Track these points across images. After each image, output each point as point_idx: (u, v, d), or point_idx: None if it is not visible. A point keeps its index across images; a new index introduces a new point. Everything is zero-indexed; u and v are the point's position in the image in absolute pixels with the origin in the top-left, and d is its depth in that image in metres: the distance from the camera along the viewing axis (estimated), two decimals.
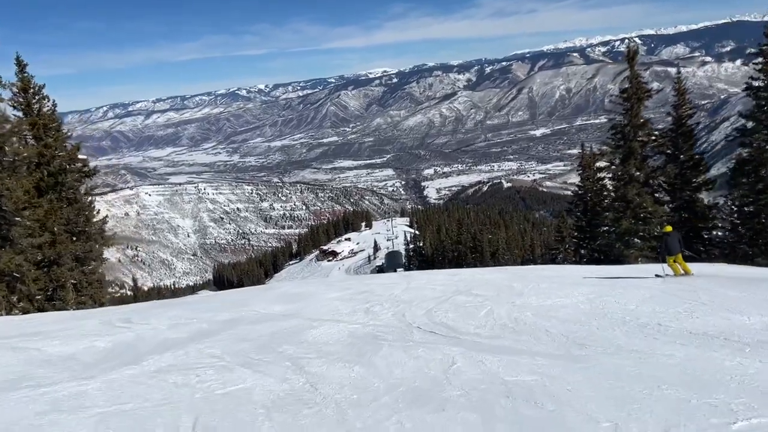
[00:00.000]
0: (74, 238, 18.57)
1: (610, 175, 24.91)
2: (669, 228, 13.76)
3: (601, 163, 26.05)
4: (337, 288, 14.08)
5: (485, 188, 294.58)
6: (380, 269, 67.15)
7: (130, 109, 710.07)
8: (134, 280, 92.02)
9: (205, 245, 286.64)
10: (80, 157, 20.64)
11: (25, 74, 18.34)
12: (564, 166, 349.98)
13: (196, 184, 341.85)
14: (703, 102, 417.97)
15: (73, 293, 17.86)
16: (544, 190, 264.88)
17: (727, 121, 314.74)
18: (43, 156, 17.97)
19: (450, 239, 38.85)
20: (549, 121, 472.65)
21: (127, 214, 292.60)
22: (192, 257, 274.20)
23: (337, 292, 13.00)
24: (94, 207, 21.33)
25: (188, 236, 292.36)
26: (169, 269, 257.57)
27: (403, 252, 72.09)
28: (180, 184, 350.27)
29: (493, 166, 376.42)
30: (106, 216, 23.27)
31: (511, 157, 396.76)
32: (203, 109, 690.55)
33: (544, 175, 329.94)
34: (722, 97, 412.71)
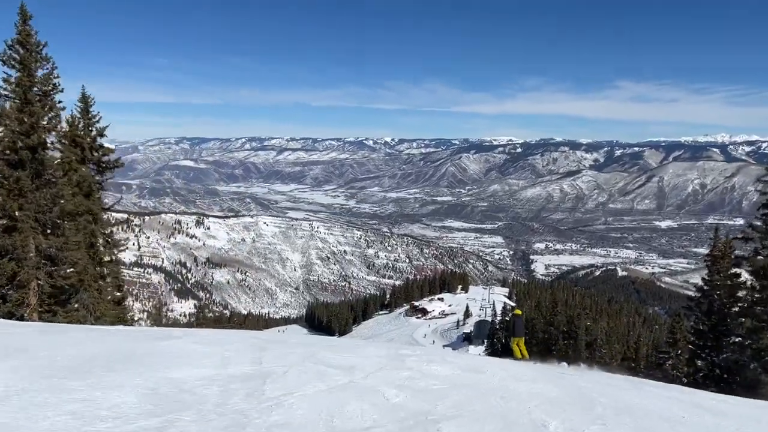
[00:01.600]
0: (48, 231, 15.16)
1: (751, 268, 18.90)
2: (519, 311, 14.53)
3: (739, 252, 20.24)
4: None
5: (597, 272, 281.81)
6: (467, 336, 66.12)
7: (265, 143, 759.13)
8: (199, 306, 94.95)
9: (308, 281, 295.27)
10: (107, 146, 18.59)
11: (27, 26, 15.10)
12: (687, 263, 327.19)
13: (311, 222, 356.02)
14: None
15: (36, 296, 14.94)
16: (663, 285, 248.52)
17: None
18: (22, 123, 14.66)
19: (542, 318, 36.37)
20: (677, 215, 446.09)
21: (243, 239, 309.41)
22: (294, 290, 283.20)
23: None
24: (102, 200, 18.84)
25: (294, 270, 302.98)
26: (271, 298, 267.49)
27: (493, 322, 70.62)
28: (296, 219, 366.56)
29: (610, 251, 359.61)
30: (127, 222, 23.26)
31: (631, 245, 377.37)
32: (331, 153, 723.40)
33: (664, 270, 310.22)
34: None
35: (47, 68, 15.34)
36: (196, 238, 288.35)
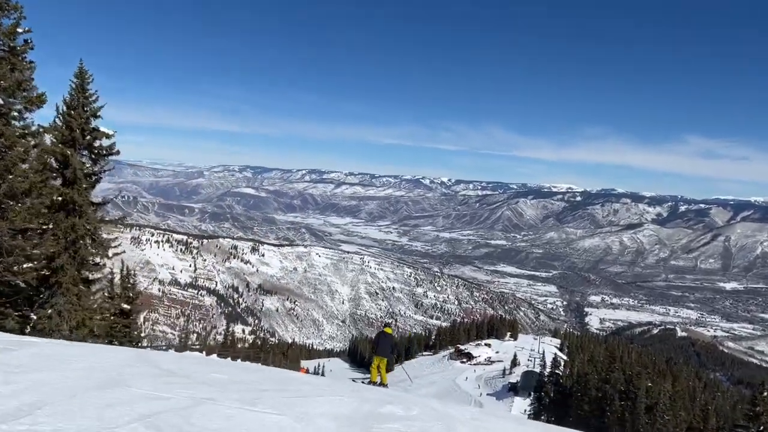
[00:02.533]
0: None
1: None
2: (389, 330, 13.22)
3: None
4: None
5: (655, 331, 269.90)
6: (513, 387, 63.75)
7: (324, 176, 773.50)
8: (230, 332, 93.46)
9: (355, 315, 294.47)
10: (103, 129, 15.40)
11: None
12: (753, 329, 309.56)
13: (362, 256, 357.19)
14: None
15: None
16: (725, 350, 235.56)
17: None
18: None
19: (596, 374, 32.90)
20: (743, 277, 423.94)
21: (295, 268, 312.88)
22: (341, 323, 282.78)
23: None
24: (89, 192, 15.19)
25: (343, 302, 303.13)
26: (317, 329, 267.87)
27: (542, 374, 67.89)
28: (348, 252, 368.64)
29: (669, 309, 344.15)
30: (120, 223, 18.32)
31: (692, 304, 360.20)
32: (387, 189, 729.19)
33: (727, 334, 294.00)
34: None
35: (13, 18, 12.46)
36: (250, 263, 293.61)
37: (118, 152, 15.76)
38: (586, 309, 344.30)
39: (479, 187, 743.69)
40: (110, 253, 15.79)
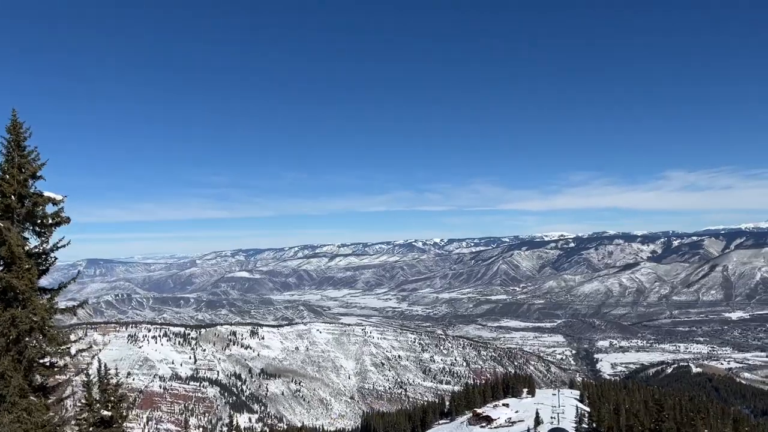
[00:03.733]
0: None
1: None
2: None
3: None
4: None
5: (669, 369, 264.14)
6: None
7: (317, 251, 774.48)
8: (231, 418, 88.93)
9: (363, 389, 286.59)
10: (47, 194, 12.04)
11: None
12: (766, 357, 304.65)
13: (363, 327, 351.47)
14: None
15: None
16: (743, 381, 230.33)
17: None
18: None
19: (640, 425, 29.20)
20: (748, 305, 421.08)
21: (297, 348, 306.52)
22: (349, 400, 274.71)
23: None
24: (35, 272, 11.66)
25: (349, 378, 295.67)
26: (325, 408, 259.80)
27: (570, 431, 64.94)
28: (349, 324, 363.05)
29: (679, 346, 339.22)
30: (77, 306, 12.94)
31: (701, 339, 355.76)
32: (381, 256, 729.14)
33: (741, 365, 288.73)
34: None
35: None
36: (250, 348, 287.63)
37: (68, 220, 11.97)
38: (595, 355, 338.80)
39: (472, 244, 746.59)
40: (73, 350, 12.32)
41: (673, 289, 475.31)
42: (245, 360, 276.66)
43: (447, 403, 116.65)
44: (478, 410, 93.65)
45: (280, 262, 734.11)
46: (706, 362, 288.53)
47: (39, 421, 11.05)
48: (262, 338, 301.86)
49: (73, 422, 13.84)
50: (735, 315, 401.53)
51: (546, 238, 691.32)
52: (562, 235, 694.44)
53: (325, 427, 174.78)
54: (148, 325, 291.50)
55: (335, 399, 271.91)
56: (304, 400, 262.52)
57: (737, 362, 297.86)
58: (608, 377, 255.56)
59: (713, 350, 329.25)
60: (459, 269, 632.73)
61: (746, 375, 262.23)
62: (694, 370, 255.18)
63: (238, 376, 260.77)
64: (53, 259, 12.01)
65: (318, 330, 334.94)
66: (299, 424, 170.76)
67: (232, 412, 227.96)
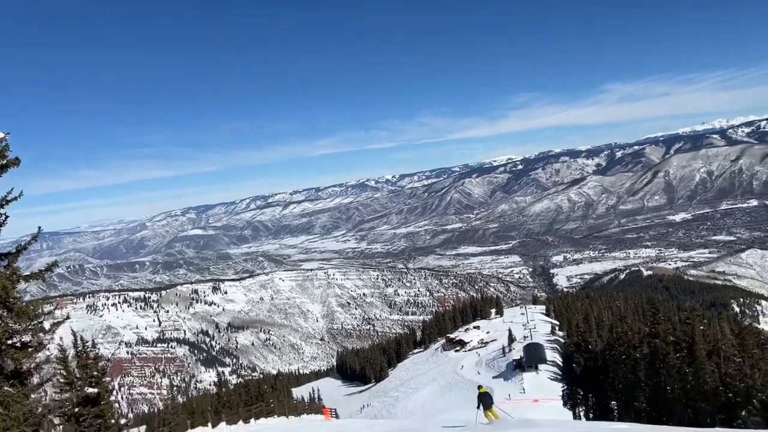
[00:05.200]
0: None
1: None
2: (483, 389, 19.10)
3: None
4: None
5: (622, 276, 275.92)
6: (518, 364, 62.25)
7: (269, 200, 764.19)
8: (219, 376, 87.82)
9: (332, 330, 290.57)
10: None
11: None
12: (710, 253, 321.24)
13: (326, 270, 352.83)
14: None
15: None
16: (690, 278, 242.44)
17: None
18: None
19: (632, 333, 25.52)
20: (689, 206, 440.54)
21: (262, 298, 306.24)
22: (320, 342, 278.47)
23: None
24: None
25: (317, 321, 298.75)
26: (297, 353, 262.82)
27: (545, 344, 66.70)
28: (311, 270, 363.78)
29: (629, 252, 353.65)
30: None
31: (649, 243, 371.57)
32: (335, 199, 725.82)
33: (687, 263, 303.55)
34: None
35: None
36: (214, 304, 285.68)
37: (16, 162, 9.00)
38: (551, 270, 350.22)
39: (424, 177, 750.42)
40: (47, 324, 10.12)
41: (619, 199, 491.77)
42: (211, 316, 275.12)
43: (419, 332, 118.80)
44: (451, 335, 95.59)
45: (233, 215, 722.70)
46: (655, 264, 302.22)
47: (18, 415, 8.78)
48: (225, 293, 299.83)
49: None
50: (678, 217, 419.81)
51: (495, 163, 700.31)
52: (510, 159, 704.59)
53: (300, 371, 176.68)
54: (106, 293, 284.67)
55: (306, 343, 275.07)
56: (275, 347, 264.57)
57: (683, 261, 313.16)
58: (565, 290, 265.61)
59: (661, 253, 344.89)
60: (413, 203, 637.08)
61: (692, 272, 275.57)
62: (645, 273, 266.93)
63: (206, 333, 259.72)
64: (3, 217, 9.36)
65: (280, 279, 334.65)
66: (274, 372, 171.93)
67: (204, 368, 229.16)
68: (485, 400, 18.33)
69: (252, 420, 22.97)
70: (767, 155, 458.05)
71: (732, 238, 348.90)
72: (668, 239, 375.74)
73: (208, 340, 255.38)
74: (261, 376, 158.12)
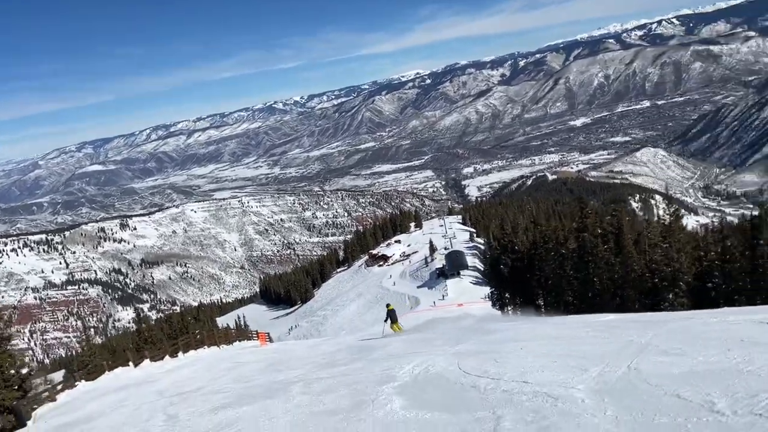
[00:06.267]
0: None
1: None
2: (391, 307, 21.02)
3: None
4: None
5: (529, 182, 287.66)
6: (441, 272, 63.92)
7: (171, 129, 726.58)
8: (138, 313, 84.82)
9: (252, 258, 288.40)
10: None
11: None
12: (608, 154, 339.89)
13: (239, 198, 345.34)
14: (750, 78, 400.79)
15: None
16: (591, 179, 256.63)
17: None
18: None
19: (559, 229, 26.61)
20: (589, 110, 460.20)
21: (174, 232, 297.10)
22: (240, 270, 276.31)
23: None
24: None
25: (235, 250, 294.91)
26: (218, 284, 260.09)
27: (465, 251, 68.66)
28: (224, 199, 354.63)
29: (534, 159, 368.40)
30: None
31: (553, 149, 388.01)
32: (242, 124, 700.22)
33: (588, 165, 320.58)
34: None
35: None
36: (124, 242, 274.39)
37: None
38: (463, 182, 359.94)
39: (333, 97, 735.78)
40: None
41: (524, 108, 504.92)
42: (122, 254, 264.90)
43: (341, 252, 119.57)
44: (373, 251, 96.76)
45: (134, 148, 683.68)
46: (559, 169, 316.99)
47: None
48: (135, 229, 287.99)
49: None
50: (579, 122, 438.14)
51: (403, 79, 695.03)
52: (418, 74, 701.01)
53: (223, 300, 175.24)
54: (3, 239, 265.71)
55: (226, 273, 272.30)
56: (194, 280, 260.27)
57: (584, 164, 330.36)
58: (477, 199, 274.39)
59: (564, 157, 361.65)
60: (324, 124, 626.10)
61: (593, 173, 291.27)
62: (550, 177, 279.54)
63: (119, 271, 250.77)
64: None
65: (192, 210, 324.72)
66: (195, 303, 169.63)
67: (121, 307, 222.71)
68: (392, 315, 20.52)
69: (180, 354, 21.75)
70: (658, 57, 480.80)
71: (628, 138, 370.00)
72: (570, 144, 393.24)
73: (121, 278, 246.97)
74: (182, 309, 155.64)
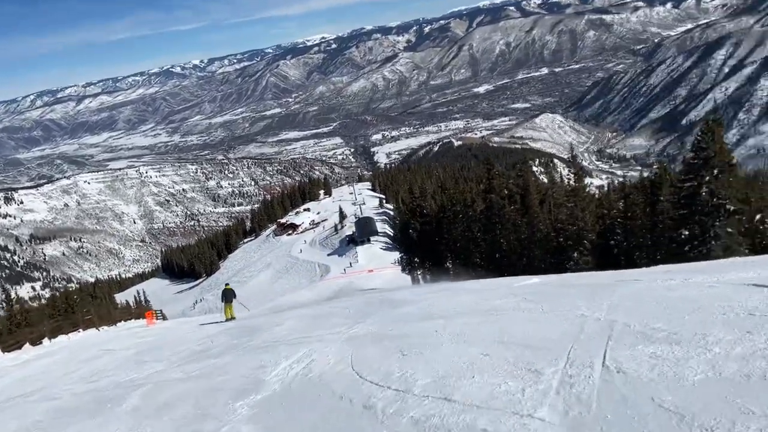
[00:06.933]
0: None
1: None
2: (228, 287, 19.14)
3: None
4: None
5: (436, 148, 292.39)
6: (351, 239, 63.40)
7: (59, 95, 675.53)
8: (6, 294, 76.96)
9: (153, 230, 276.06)
10: None
11: None
12: (510, 120, 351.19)
13: (137, 168, 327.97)
14: (638, 47, 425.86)
15: None
16: (494, 145, 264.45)
17: (663, 64, 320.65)
18: None
19: (467, 191, 26.51)
20: (491, 78, 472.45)
21: (66, 205, 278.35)
22: (140, 244, 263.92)
23: None
24: None
25: (134, 222, 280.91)
26: (117, 258, 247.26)
27: (375, 218, 68.44)
28: (120, 169, 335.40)
29: (440, 126, 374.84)
30: None
31: (458, 116, 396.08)
32: (137, 90, 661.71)
33: (491, 131, 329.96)
34: (656, 41, 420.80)
35: None
36: (10, 216, 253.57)
37: None
38: (371, 149, 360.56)
39: (235, 61, 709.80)
40: None
41: (429, 74, 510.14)
42: (8, 230, 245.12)
43: (248, 222, 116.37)
44: (282, 220, 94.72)
45: (17, 115, 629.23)
46: (464, 135, 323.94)
47: None
48: (21, 203, 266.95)
49: None
50: (482, 88, 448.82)
51: (309, 43, 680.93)
52: (323, 38, 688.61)
53: (123, 275, 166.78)
54: None
55: (125, 247, 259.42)
56: (90, 255, 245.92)
57: (488, 130, 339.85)
58: (386, 165, 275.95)
59: (468, 124, 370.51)
60: (227, 89, 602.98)
61: (496, 139, 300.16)
62: (456, 144, 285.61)
63: (5, 248, 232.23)
64: None
65: (85, 182, 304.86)
66: (92, 280, 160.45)
67: (9, 286, 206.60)
68: (227, 296, 18.43)
69: (46, 340, 19.28)
70: (556, 25, 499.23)
71: (528, 105, 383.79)
72: (474, 110, 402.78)
73: (9, 255, 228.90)
74: (78, 286, 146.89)
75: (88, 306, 28.01)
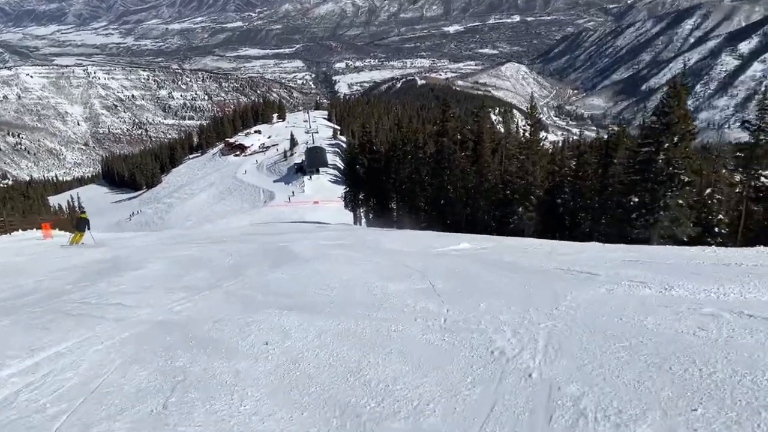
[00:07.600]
0: None
1: None
2: (84, 215, 18.32)
3: None
4: None
5: (399, 85, 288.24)
6: (299, 168, 61.68)
7: None
8: None
9: (98, 134, 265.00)
10: None
11: None
12: (476, 65, 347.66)
13: (85, 68, 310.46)
14: (611, 5, 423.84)
15: None
16: (458, 89, 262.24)
17: (632, 26, 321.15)
18: None
19: (419, 132, 25.31)
20: (463, 18, 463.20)
21: (6, 97, 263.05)
22: (83, 147, 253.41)
23: None
24: None
25: (78, 124, 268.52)
26: (57, 159, 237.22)
27: (327, 149, 66.62)
28: (67, 66, 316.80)
29: (406, 62, 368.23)
30: None
31: (424, 53, 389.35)
32: None
33: (456, 74, 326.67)
34: (629, 2, 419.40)
35: None
36: None
37: None
38: (333, 77, 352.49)
39: None
40: None
41: (401, 6, 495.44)
42: None
43: (196, 137, 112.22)
44: (230, 140, 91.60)
45: None
46: (428, 75, 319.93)
47: None
48: None
49: None
50: (452, 29, 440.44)
51: None
52: None
53: (62, 178, 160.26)
54: None
55: (66, 148, 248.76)
56: (28, 153, 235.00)
57: (453, 72, 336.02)
58: (346, 96, 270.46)
59: (434, 63, 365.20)
60: None
61: (460, 83, 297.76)
62: (419, 82, 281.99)
63: None
64: None
65: (28, 75, 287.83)
66: (28, 179, 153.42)
67: None
68: (80, 224, 17.97)
69: None
70: None
71: (495, 51, 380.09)
72: (442, 50, 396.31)
73: None
74: (11, 183, 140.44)
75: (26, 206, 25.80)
